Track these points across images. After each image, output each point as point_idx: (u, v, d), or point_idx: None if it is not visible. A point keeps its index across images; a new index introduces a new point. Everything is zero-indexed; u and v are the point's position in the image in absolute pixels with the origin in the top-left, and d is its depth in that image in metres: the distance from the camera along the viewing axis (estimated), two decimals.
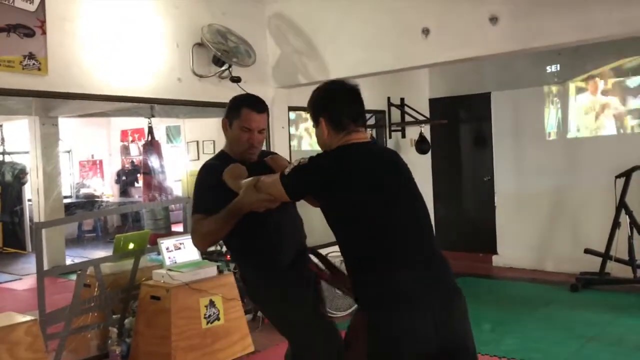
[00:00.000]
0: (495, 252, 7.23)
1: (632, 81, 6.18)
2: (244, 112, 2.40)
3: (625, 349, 4.16)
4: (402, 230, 1.94)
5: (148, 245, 4.64)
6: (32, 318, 3.41)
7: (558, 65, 6.60)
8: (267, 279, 2.40)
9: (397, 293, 1.84)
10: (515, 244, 7.01)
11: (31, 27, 3.77)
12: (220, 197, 2.23)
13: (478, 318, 4.97)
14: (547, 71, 6.69)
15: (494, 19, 3.98)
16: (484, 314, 5.10)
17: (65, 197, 9.49)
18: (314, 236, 5.41)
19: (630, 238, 5.59)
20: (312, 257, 2.47)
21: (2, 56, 3.63)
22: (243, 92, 4.53)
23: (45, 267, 6.83)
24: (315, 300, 2.47)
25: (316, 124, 2.08)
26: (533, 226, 6.87)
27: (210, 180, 2.35)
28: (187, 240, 4.45)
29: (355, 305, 2.14)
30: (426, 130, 7.14)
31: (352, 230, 1.95)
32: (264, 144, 2.77)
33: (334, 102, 2.05)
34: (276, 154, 2.69)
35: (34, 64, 3.78)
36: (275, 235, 2.39)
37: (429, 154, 7.23)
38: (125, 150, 11.54)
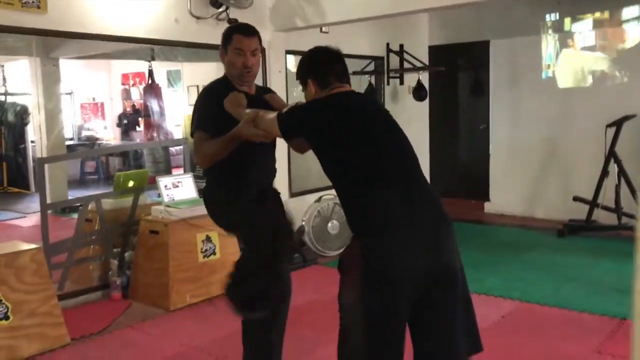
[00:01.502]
0: (487, 199, 7.39)
1: (629, 30, 6.19)
2: (235, 37, 2.55)
3: (600, 290, 4.36)
4: (390, 162, 2.08)
5: (147, 185, 4.80)
6: (37, 246, 3.60)
7: (557, 14, 6.60)
8: (227, 204, 2.56)
9: (387, 220, 1.99)
10: (507, 192, 7.16)
11: None
12: (219, 119, 2.42)
13: (465, 260, 5.17)
14: (546, 20, 6.69)
15: None
16: (471, 257, 5.23)
17: (67, 140, 9.62)
18: (311, 180, 5.59)
19: (618, 186, 5.73)
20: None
21: None
22: None
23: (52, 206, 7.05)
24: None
25: (305, 85, 2.28)
26: (525, 174, 7.01)
27: (211, 101, 2.52)
28: (185, 179, 4.63)
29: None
30: (424, 77, 7.17)
31: (343, 165, 2.09)
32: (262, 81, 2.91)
33: (320, 65, 2.26)
34: (274, 92, 2.84)
35: (33, 1, 3.84)
36: (250, 169, 2.55)
37: (427, 101, 7.29)
38: (127, 93, 11.57)
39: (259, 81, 3.19)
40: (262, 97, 2.66)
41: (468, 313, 2.09)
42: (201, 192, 4.74)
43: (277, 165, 2.81)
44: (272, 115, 2.25)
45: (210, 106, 2.52)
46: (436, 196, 2.11)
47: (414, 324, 2.04)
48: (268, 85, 5.33)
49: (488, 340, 3.46)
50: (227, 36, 2.59)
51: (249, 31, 2.58)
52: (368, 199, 2.03)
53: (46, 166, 6.72)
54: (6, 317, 3.30)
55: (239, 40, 2.55)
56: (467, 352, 2.09)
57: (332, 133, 2.09)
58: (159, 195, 4.73)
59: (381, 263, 1.95)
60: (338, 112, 2.14)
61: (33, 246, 3.57)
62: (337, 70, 2.24)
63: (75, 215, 6.21)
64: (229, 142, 2.39)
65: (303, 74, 2.28)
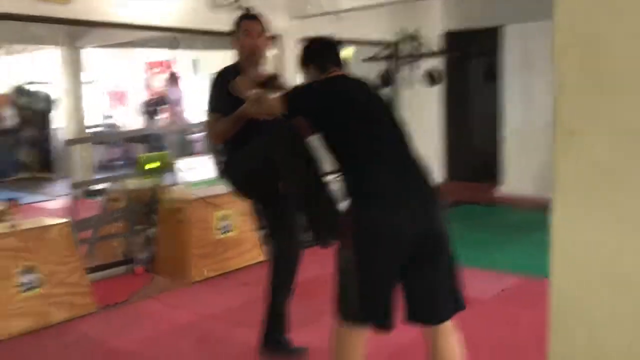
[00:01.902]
0: (499, 182, 7.51)
1: None
2: (242, 22, 2.93)
3: None
4: (383, 140, 2.28)
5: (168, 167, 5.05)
6: (65, 221, 3.86)
7: None
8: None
9: (378, 192, 2.19)
10: (520, 175, 7.27)
11: None
12: (229, 100, 2.69)
13: (474, 239, 5.36)
14: None
15: None
16: (480, 236, 5.45)
17: (92, 127, 9.95)
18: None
19: None
20: None
21: None
22: None
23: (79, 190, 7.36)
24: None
25: (306, 70, 2.52)
26: (537, 158, 7.09)
27: (222, 85, 2.80)
28: (204, 161, 4.85)
29: None
30: (438, 63, 7.30)
31: (339, 142, 2.30)
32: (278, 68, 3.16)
33: (320, 52, 2.51)
34: (282, 76, 3.06)
35: None
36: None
37: (439, 86, 7.42)
38: (149, 82, 11.87)
39: (274, 67, 3.40)
40: (270, 82, 2.87)
41: (452, 275, 2.27)
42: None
43: None
44: (276, 95, 2.45)
45: (221, 89, 2.79)
46: (425, 172, 2.29)
47: (404, 280, 2.23)
48: (283, 72, 5.53)
49: (488, 310, 3.68)
50: (237, 24, 2.93)
51: (254, 16, 2.96)
52: (362, 172, 2.23)
53: (73, 151, 7.04)
54: (38, 286, 3.58)
55: (246, 24, 2.90)
56: (451, 310, 2.27)
57: (329, 112, 2.29)
58: (179, 177, 4.99)
59: (371, 226, 2.15)
60: (335, 93, 2.35)
61: (62, 220, 3.84)
62: (333, 57, 2.48)
63: (100, 198, 6.52)
64: (236, 120, 2.68)
65: (305, 60, 2.51)
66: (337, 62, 2.50)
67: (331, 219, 2.49)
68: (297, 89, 2.48)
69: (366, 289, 2.19)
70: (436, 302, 2.24)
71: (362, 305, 2.19)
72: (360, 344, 2.27)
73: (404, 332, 2.99)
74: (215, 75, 2.93)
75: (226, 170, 2.94)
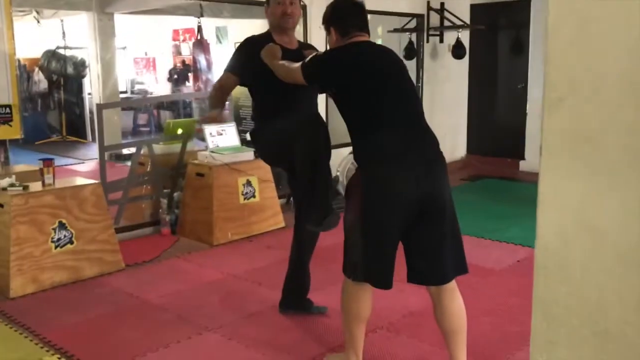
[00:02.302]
0: (523, 158, 7.53)
1: None
2: None
3: None
4: (394, 106, 2.36)
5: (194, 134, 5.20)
6: (97, 182, 4.05)
7: None
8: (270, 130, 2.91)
9: (386, 153, 2.31)
10: None
11: None
12: (253, 66, 2.81)
13: (493, 212, 5.44)
14: None
15: None
16: (499, 210, 5.54)
17: (121, 92, 10.13)
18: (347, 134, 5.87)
19: None
20: None
21: None
22: None
23: (106, 154, 7.57)
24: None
25: (328, 32, 2.58)
26: None
27: (248, 50, 2.92)
28: (229, 128, 5.00)
29: None
30: (464, 35, 7.29)
31: (354, 108, 2.39)
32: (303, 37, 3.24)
33: (342, 15, 2.53)
34: (314, 48, 3.15)
35: None
36: (293, 111, 2.86)
37: (466, 59, 7.42)
38: (177, 49, 11.98)
39: (300, 36, 3.49)
40: (301, 51, 2.98)
41: (455, 240, 2.38)
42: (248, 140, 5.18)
43: None
44: (298, 64, 2.55)
45: (246, 54, 2.90)
46: (433, 140, 2.39)
47: (407, 242, 2.35)
48: (309, 41, 5.61)
49: (502, 279, 3.80)
50: None
51: None
52: (373, 137, 2.33)
53: (103, 114, 7.23)
54: (71, 242, 3.78)
55: None
56: (453, 272, 2.38)
57: (346, 80, 2.38)
58: (206, 147, 5.15)
59: (378, 187, 2.28)
60: (352, 62, 2.41)
61: (93, 181, 4.03)
62: (357, 22, 2.50)
63: (128, 163, 6.72)
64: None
65: (327, 22, 2.56)
66: (361, 26, 2.51)
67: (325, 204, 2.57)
68: (315, 57, 2.53)
69: (370, 249, 2.31)
70: (438, 262, 2.35)
71: (365, 264, 2.33)
72: (365, 298, 2.42)
73: (418, 297, 3.14)
74: (244, 41, 3.02)
75: (256, 140, 3.04)
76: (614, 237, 1.02)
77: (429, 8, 7.07)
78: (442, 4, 7.10)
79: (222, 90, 2.99)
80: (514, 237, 4.67)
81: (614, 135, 0.99)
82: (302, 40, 5.21)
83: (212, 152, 4.76)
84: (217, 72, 9.57)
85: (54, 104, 9.98)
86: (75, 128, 9.99)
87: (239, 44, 3.04)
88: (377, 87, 2.37)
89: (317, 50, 3.08)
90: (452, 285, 2.38)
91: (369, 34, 2.55)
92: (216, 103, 2.95)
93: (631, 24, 0.97)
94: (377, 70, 2.41)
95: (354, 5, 2.55)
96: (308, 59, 2.54)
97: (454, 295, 2.39)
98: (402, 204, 2.28)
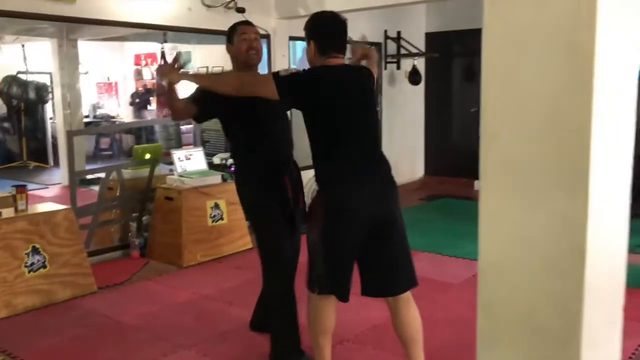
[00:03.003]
0: (477, 178, 7.86)
1: None
2: (239, 27, 3.02)
3: None
4: (356, 133, 2.56)
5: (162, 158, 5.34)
6: (68, 207, 4.16)
7: None
8: (250, 177, 2.99)
9: (345, 175, 2.52)
10: None
11: None
12: (214, 101, 2.78)
13: (450, 230, 5.72)
14: None
15: None
16: (456, 228, 5.82)
17: (84, 118, 10.15)
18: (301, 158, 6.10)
19: None
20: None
21: None
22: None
23: (68, 179, 7.61)
24: (282, 211, 2.94)
25: (308, 43, 2.62)
26: None
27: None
28: (197, 153, 5.16)
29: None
30: (420, 62, 7.66)
31: (317, 128, 2.55)
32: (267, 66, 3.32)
33: (324, 31, 2.55)
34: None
35: None
36: (270, 139, 2.97)
37: (422, 85, 7.79)
38: (139, 73, 12.07)
39: (264, 65, 3.68)
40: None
41: (406, 254, 2.61)
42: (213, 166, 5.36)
43: None
44: (264, 75, 2.64)
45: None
46: (387, 166, 2.61)
47: (363, 258, 2.57)
48: (272, 68, 5.84)
49: (459, 292, 4.04)
50: (232, 29, 3.04)
51: (249, 22, 3.11)
52: (334, 159, 2.54)
53: (64, 141, 7.27)
54: (44, 266, 3.87)
55: (243, 28, 3.01)
56: (407, 284, 2.61)
57: (316, 103, 2.51)
58: (171, 170, 5.30)
59: (336, 205, 2.49)
60: (326, 87, 2.51)
61: (65, 207, 4.13)
62: (337, 43, 2.56)
63: (93, 187, 6.78)
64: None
65: (309, 33, 2.57)
66: (340, 47, 2.54)
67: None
68: (295, 75, 2.56)
69: (330, 264, 2.52)
70: (392, 275, 2.58)
71: (328, 276, 2.53)
72: (329, 311, 2.62)
73: (381, 310, 3.34)
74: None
75: (239, 178, 3.08)
76: (540, 247, 1.25)
77: (386, 37, 7.42)
78: (399, 32, 7.46)
79: (180, 105, 2.92)
80: (470, 252, 4.94)
81: (538, 164, 1.22)
82: (266, 69, 5.44)
83: (181, 176, 4.91)
84: (181, 95, 9.74)
85: (14, 129, 9.93)
86: (36, 153, 9.94)
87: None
88: (344, 114, 2.52)
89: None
90: (407, 295, 2.61)
91: (345, 53, 2.62)
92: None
93: (551, 73, 1.21)
94: (347, 97, 2.54)
95: (338, 24, 2.57)
96: (283, 73, 2.53)
97: (409, 305, 2.61)
98: (357, 221, 2.49)
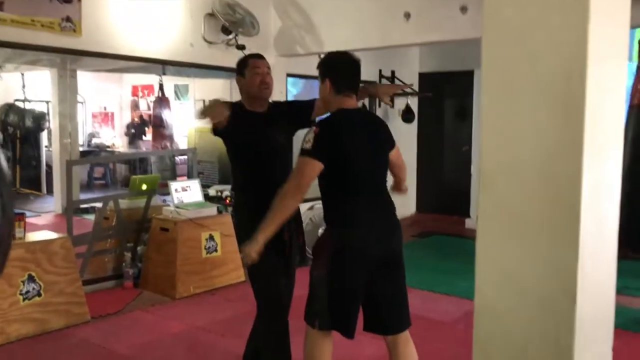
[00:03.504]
0: (468, 216, 7.99)
1: None
2: (250, 61, 2.99)
3: None
4: (363, 178, 2.63)
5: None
6: (65, 235, 4.19)
7: None
8: (250, 215, 2.88)
9: (353, 218, 2.59)
10: None
11: None
12: (233, 135, 2.89)
13: (441, 268, 5.78)
14: None
15: (464, 9, 4.65)
16: (447, 265, 5.89)
17: (80, 147, 10.21)
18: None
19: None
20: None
21: (45, 18, 4.32)
22: None
23: (62, 207, 7.63)
24: (280, 253, 2.90)
25: (322, 81, 2.67)
26: None
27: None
28: (193, 184, 5.22)
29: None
30: (413, 102, 7.83)
31: (330, 173, 2.57)
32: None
33: (341, 71, 2.61)
34: (282, 103, 3.33)
35: (70, 26, 4.47)
36: (271, 179, 2.84)
37: (415, 123, 7.94)
38: (135, 104, 12.20)
39: None
40: (275, 112, 3.05)
41: (404, 294, 2.68)
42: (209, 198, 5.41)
43: None
44: (297, 163, 2.53)
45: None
46: (392, 205, 2.70)
47: (367, 295, 2.62)
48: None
49: (451, 330, 4.08)
50: (243, 62, 3.01)
51: (260, 56, 3.06)
52: (343, 203, 2.61)
53: (59, 170, 7.32)
54: (39, 294, 3.88)
55: (255, 62, 2.98)
56: (406, 322, 2.67)
57: (334, 155, 2.53)
58: (164, 200, 5.36)
59: (345, 245, 2.55)
60: (342, 139, 2.54)
61: (62, 235, 4.17)
62: (353, 82, 2.64)
63: (86, 216, 6.81)
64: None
65: (325, 71, 2.61)
66: (355, 87, 2.62)
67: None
68: (314, 137, 2.49)
69: (335, 301, 2.57)
70: (394, 314, 2.65)
71: (331, 313, 2.58)
72: (327, 346, 2.66)
73: (375, 346, 3.38)
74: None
75: (237, 214, 3.08)
76: (534, 289, 1.33)
77: (381, 76, 7.58)
78: (393, 72, 7.64)
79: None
80: (462, 290, 5.00)
81: (531, 210, 1.31)
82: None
83: (177, 207, 4.96)
84: (176, 128, 9.84)
85: (9, 157, 9.95)
86: (30, 181, 9.94)
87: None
88: (358, 162, 2.57)
89: (284, 106, 3.30)
90: (406, 333, 2.67)
91: (357, 93, 2.69)
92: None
93: (544, 126, 1.31)
94: (362, 147, 2.59)
95: (354, 64, 2.64)
96: (307, 143, 2.50)
97: (408, 343, 2.67)
98: (364, 261, 2.56)
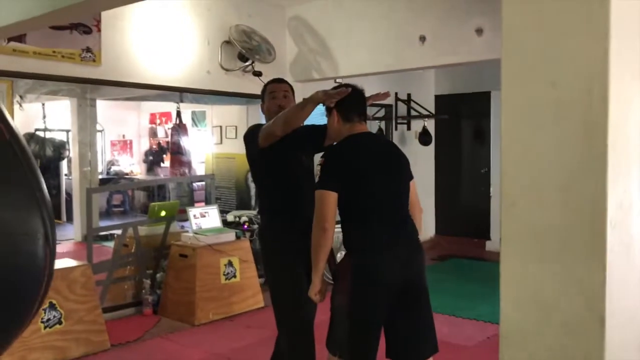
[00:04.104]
0: (488, 238, 7.90)
1: None
2: (269, 87, 3.11)
3: None
4: (383, 201, 2.61)
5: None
6: (85, 263, 4.21)
7: None
8: (277, 235, 2.98)
9: (374, 243, 2.56)
10: None
11: (89, 25, 4.55)
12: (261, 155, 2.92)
13: (462, 291, 5.71)
14: None
15: (479, 31, 4.66)
16: (468, 288, 5.81)
17: (99, 174, 10.33)
18: None
19: None
20: None
21: (66, 49, 4.41)
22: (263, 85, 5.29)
23: (81, 235, 7.69)
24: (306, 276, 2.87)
25: (329, 114, 2.71)
26: None
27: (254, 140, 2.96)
28: (212, 210, 5.24)
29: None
30: (430, 124, 7.83)
31: (347, 197, 2.57)
32: None
33: (346, 99, 2.60)
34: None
35: (90, 56, 4.56)
36: (299, 200, 2.95)
37: (432, 146, 7.92)
38: (153, 132, 12.35)
39: None
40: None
41: (430, 318, 2.63)
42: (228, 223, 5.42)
43: None
44: (317, 194, 2.54)
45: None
46: (413, 229, 2.66)
47: (390, 323, 2.58)
48: None
49: (473, 356, 4.01)
50: (264, 89, 3.13)
51: (279, 79, 3.18)
52: (364, 229, 2.58)
53: (79, 198, 7.40)
54: (59, 322, 3.89)
55: (272, 87, 3.10)
56: (431, 349, 2.62)
57: (347, 181, 2.55)
58: (183, 227, 5.38)
59: (364, 272, 2.52)
60: (352, 165, 2.58)
61: (82, 263, 4.19)
62: (359, 110, 2.67)
63: (104, 243, 6.85)
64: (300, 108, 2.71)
65: (333, 107, 2.64)
66: (362, 113, 2.65)
67: None
68: (322, 168, 2.56)
69: (356, 330, 2.52)
70: (418, 341, 2.60)
71: (350, 344, 2.53)
72: None
73: None
74: (251, 127, 3.09)
75: (263, 236, 3.11)
76: (560, 311, 1.30)
77: (397, 99, 7.61)
78: (409, 95, 7.66)
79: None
80: (483, 314, 4.93)
81: (555, 231, 1.28)
82: None
83: (196, 233, 4.97)
84: (194, 153, 9.93)
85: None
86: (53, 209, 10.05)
87: (248, 129, 3.08)
88: (370, 184, 2.58)
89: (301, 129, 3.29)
90: None
91: (366, 120, 2.72)
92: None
93: (566, 148, 1.29)
94: (373, 168, 2.60)
95: (357, 93, 2.66)
96: (317, 178, 2.58)
97: None
98: (385, 287, 2.51)
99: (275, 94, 3.05)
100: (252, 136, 2.97)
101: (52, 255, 1.48)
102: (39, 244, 1.40)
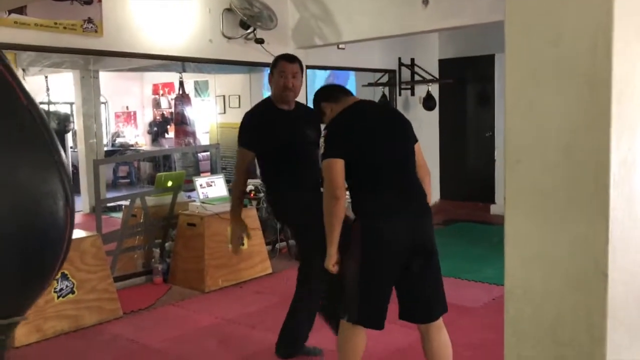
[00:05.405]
0: (493, 202, 7.93)
1: None
2: (279, 62, 3.21)
3: None
4: (389, 165, 2.65)
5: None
6: (95, 233, 4.27)
7: None
8: (291, 197, 3.17)
9: (382, 207, 2.59)
10: None
11: None
12: (258, 134, 3.13)
13: (468, 254, 5.76)
14: None
15: None
16: (473, 252, 5.86)
17: (104, 146, 10.35)
18: None
19: None
20: None
21: (67, 20, 4.39)
22: (266, 52, 5.25)
23: (89, 206, 7.75)
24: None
25: (323, 111, 2.84)
26: None
27: (251, 122, 3.22)
28: (218, 179, 5.28)
29: None
30: (434, 88, 7.78)
31: (354, 165, 2.61)
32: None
33: (327, 89, 2.94)
34: (308, 107, 3.41)
35: (91, 27, 4.53)
36: (301, 169, 3.18)
37: (436, 111, 7.89)
38: (157, 103, 12.32)
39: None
40: (303, 114, 3.25)
41: (440, 282, 2.68)
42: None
43: None
44: (325, 168, 2.59)
45: (250, 127, 3.19)
46: (421, 193, 2.68)
47: (400, 285, 2.63)
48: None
49: (479, 316, 4.07)
50: (275, 62, 3.23)
51: (291, 58, 3.24)
52: (369, 192, 2.62)
53: (86, 170, 7.45)
54: (72, 292, 3.97)
55: (283, 64, 3.18)
56: (441, 310, 2.67)
57: (349, 150, 2.59)
58: (189, 197, 5.43)
59: (373, 237, 2.56)
60: (352, 133, 2.63)
61: (92, 233, 4.25)
62: (343, 91, 2.86)
63: (113, 214, 6.92)
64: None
65: (320, 102, 2.85)
66: (345, 91, 2.88)
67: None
68: (325, 140, 2.63)
69: (365, 293, 2.58)
70: (429, 302, 2.65)
71: (359, 306, 2.59)
72: (360, 338, 2.67)
73: (403, 335, 3.39)
74: (246, 114, 3.30)
75: (278, 209, 3.33)
76: (564, 265, 1.32)
77: (400, 64, 7.55)
78: (413, 60, 7.60)
79: (244, 170, 3.21)
80: (489, 277, 4.98)
81: (559, 188, 1.30)
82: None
83: (203, 202, 5.01)
84: (198, 123, 9.93)
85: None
86: None
87: (243, 117, 3.29)
88: (373, 149, 2.62)
89: (308, 109, 3.36)
90: (439, 321, 2.67)
91: (351, 94, 2.86)
92: (238, 191, 3.31)
93: (570, 105, 1.30)
94: (376, 134, 2.65)
95: (337, 86, 2.96)
96: (322, 150, 2.62)
97: (441, 331, 2.67)
98: (394, 252, 2.56)
99: (284, 73, 3.15)
100: (239, 135, 3.23)
101: (72, 217, 1.53)
102: (59, 205, 1.45)
